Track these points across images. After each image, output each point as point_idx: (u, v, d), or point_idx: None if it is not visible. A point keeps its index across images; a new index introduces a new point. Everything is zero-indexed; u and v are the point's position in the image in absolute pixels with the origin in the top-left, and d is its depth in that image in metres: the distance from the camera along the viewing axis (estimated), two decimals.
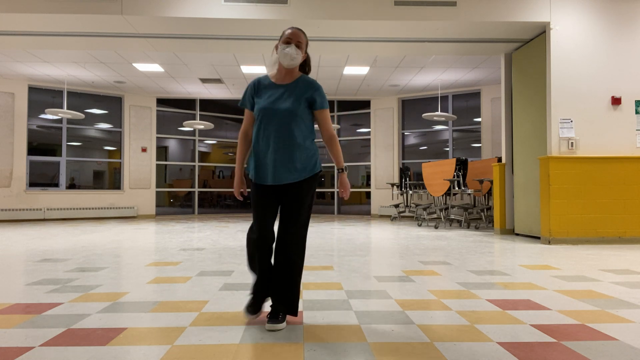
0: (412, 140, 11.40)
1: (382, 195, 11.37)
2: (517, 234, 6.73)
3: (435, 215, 9.57)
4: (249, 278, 3.46)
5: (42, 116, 10.16)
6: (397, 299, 2.77)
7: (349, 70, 9.00)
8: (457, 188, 8.20)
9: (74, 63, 8.49)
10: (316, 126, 2.46)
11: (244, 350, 1.91)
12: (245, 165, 2.43)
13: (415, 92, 10.82)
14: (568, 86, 5.72)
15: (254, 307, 2.32)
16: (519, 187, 6.56)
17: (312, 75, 9.39)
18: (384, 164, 11.36)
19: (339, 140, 12.24)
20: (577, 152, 5.69)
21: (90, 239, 6.29)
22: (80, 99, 10.63)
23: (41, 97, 10.13)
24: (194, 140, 12.24)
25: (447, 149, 10.81)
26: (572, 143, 5.67)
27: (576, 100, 5.72)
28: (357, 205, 12.44)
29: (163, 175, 12.07)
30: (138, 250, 5.12)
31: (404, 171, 10.07)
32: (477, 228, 7.94)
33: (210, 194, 12.78)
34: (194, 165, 12.19)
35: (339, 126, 11.67)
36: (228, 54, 7.83)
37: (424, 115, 9.36)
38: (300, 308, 2.57)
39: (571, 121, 5.70)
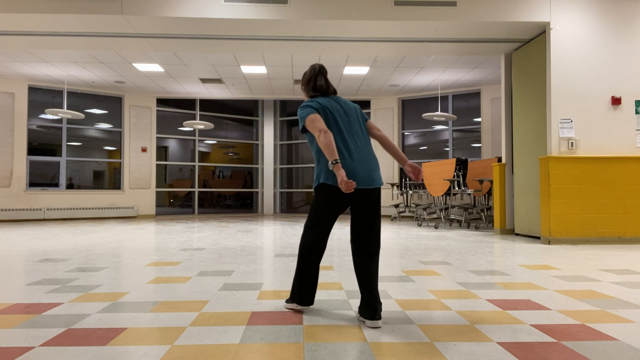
0: (412, 140, 11.40)
1: (382, 195, 11.37)
2: (517, 234, 6.73)
3: (435, 215, 9.57)
4: (249, 278, 3.46)
5: (42, 116, 10.16)
6: (397, 299, 2.77)
7: (349, 70, 9.00)
8: (457, 188, 8.20)
9: (74, 63, 8.49)
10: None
11: (244, 350, 1.91)
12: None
13: (415, 92, 10.82)
14: (568, 86, 5.72)
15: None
16: (519, 187, 6.56)
17: None
18: (384, 164, 11.36)
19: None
20: (577, 152, 5.69)
21: (90, 239, 6.29)
22: (80, 99, 10.63)
23: (41, 97, 10.13)
24: (194, 140, 12.24)
25: (447, 149, 10.81)
26: (572, 143, 5.67)
27: (576, 100, 5.72)
28: None
29: (163, 175, 12.07)
30: (138, 250, 5.12)
31: (404, 171, 10.07)
32: (477, 228, 7.94)
33: (210, 194, 12.78)
34: (194, 165, 12.19)
35: None
36: (228, 54, 7.83)
37: (424, 115, 9.36)
38: (300, 308, 2.57)
39: (571, 121, 5.70)
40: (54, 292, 2.98)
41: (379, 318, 2.22)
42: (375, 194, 2.37)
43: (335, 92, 2.57)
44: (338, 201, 2.33)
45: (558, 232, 5.59)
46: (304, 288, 2.44)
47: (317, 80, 2.53)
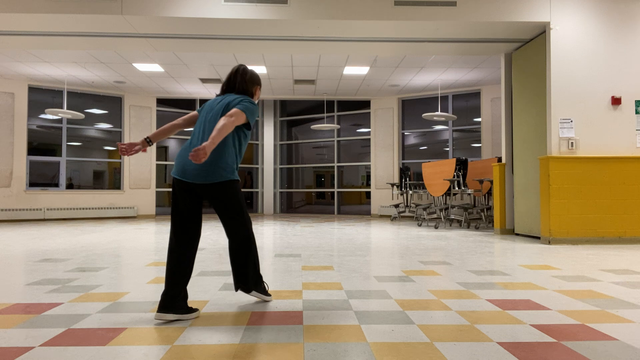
0: (412, 140, 11.39)
1: (382, 195, 11.37)
2: (517, 234, 6.73)
3: (435, 215, 9.57)
4: None
5: (42, 116, 10.16)
6: (397, 299, 2.77)
7: (349, 70, 9.00)
8: (457, 188, 8.20)
9: (74, 63, 8.49)
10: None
11: (244, 350, 1.91)
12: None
13: (415, 92, 10.82)
14: (568, 86, 5.72)
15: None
16: (519, 187, 6.56)
17: (312, 75, 9.39)
18: (384, 164, 11.36)
19: (340, 140, 12.24)
20: (577, 152, 5.69)
21: (90, 239, 6.29)
22: (80, 99, 10.63)
23: (41, 97, 10.12)
24: None
25: (447, 149, 10.81)
26: (572, 143, 5.67)
27: (576, 100, 5.72)
28: (357, 205, 12.44)
29: (163, 175, 12.07)
30: (138, 250, 5.12)
31: (404, 171, 10.07)
32: (477, 228, 7.94)
33: None
34: None
35: (339, 126, 11.67)
36: (228, 54, 7.83)
37: (424, 115, 9.36)
38: (300, 308, 2.58)
39: (571, 121, 5.70)
40: (54, 292, 2.98)
41: (245, 290, 2.62)
42: (202, 189, 2.34)
43: (240, 90, 2.61)
44: (175, 192, 2.41)
45: (558, 232, 5.59)
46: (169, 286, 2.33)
47: (226, 80, 2.68)
